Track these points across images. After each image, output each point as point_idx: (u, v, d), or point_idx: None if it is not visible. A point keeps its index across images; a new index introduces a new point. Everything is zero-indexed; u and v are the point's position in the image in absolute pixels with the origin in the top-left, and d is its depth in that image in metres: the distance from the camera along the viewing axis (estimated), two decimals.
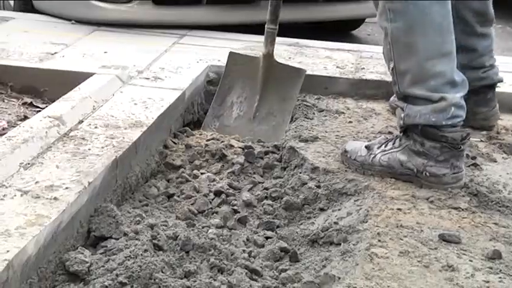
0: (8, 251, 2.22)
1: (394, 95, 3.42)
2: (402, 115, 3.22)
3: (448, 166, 3.20)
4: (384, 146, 3.32)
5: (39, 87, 3.75)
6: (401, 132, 3.27)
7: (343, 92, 3.97)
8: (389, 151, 3.28)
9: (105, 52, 4.09)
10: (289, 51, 4.60)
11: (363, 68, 4.32)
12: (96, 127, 3.17)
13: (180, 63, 4.06)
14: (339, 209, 2.94)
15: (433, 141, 3.18)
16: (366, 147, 3.29)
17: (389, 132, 3.60)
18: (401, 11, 3.17)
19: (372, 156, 3.25)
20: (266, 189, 3.22)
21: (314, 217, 2.95)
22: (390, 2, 3.18)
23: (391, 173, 3.21)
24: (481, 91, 3.76)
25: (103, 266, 2.43)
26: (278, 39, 4.41)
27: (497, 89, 3.97)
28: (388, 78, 3.76)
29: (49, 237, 2.39)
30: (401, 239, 2.59)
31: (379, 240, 2.58)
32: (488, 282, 2.37)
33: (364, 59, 4.38)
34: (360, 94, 4.01)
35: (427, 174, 3.17)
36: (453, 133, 3.17)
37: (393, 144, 3.29)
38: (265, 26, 3.69)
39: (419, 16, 3.21)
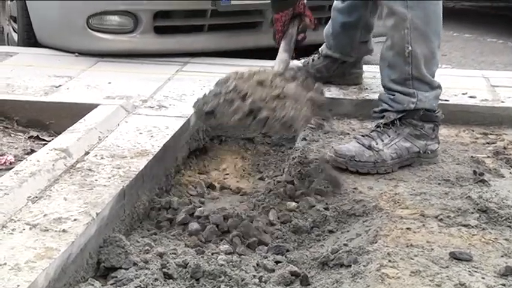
0: (18, 286, 2.19)
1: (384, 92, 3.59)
2: (413, 100, 3.39)
3: (437, 141, 3.55)
4: (382, 140, 3.42)
5: (44, 120, 3.75)
6: (397, 118, 3.41)
7: (347, 113, 4.01)
8: (392, 143, 3.40)
9: (109, 83, 4.10)
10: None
11: (366, 89, 4.35)
12: (102, 158, 3.16)
13: (184, 91, 4.08)
14: (348, 231, 2.93)
15: (430, 123, 3.46)
16: (368, 147, 3.35)
17: None
18: (422, 0, 3.38)
19: (380, 153, 3.33)
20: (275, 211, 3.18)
21: (323, 239, 2.92)
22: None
23: (400, 162, 3.37)
24: (361, 58, 4.26)
25: None
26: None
27: (506, 105, 4.08)
28: None
29: (59, 270, 2.34)
30: (412, 259, 2.55)
31: (390, 261, 2.52)
32: None
33: (367, 79, 4.39)
34: (364, 114, 4.04)
35: (429, 152, 3.45)
36: (439, 113, 3.49)
37: (390, 136, 3.42)
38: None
39: (433, 7, 3.42)
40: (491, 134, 3.85)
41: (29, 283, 2.15)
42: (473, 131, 3.90)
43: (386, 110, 3.47)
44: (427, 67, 3.42)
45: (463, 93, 4.14)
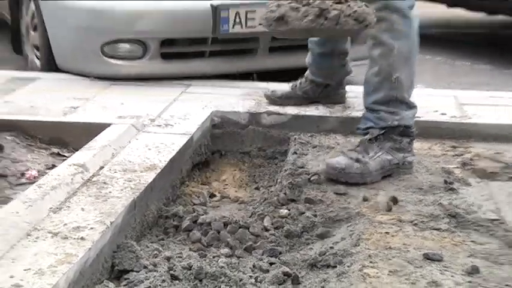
0: (63, 258, 2.33)
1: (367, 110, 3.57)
2: (396, 118, 3.40)
3: (413, 154, 3.54)
4: (368, 154, 3.41)
5: (64, 138, 3.75)
6: (381, 134, 3.40)
7: (333, 129, 3.99)
8: (376, 156, 3.40)
9: (122, 104, 4.09)
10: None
11: (349, 107, 4.32)
12: (115, 172, 3.18)
13: (188, 111, 4.07)
14: (334, 235, 2.94)
15: (407, 137, 3.46)
16: (356, 160, 3.33)
17: None
18: (406, 32, 3.37)
19: (367, 165, 3.33)
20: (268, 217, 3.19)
21: (312, 243, 2.93)
22: (399, 24, 3.33)
23: (382, 172, 3.37)
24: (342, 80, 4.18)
25: None
26: (270, 83, 4.75)
27: (473, 121, 4.08)
28: None
29: (77, 273, 2.38)
30: (390, 260, 2.59)
31: (371, 262, 2.57)
32: None
33: (350, 99, 4.36)
34: (347, 130, 4.00)
35: (406, 163, 3.45)
36: (414, 129, 3.51)
37: (374, 150, 3.41)
38: None
39: (414, 37, 3.46)
40: (459, 147, 3.85)
41: (51, 286, 2.17)
42: (444, 144, 3.91)
43: (371, 127, 3.47)
44: (409, 89, 3.45)
45: (435, 111, 4.14)
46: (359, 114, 4.01)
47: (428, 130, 3.99)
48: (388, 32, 3.33)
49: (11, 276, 2.23)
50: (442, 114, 4.14)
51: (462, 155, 3.77)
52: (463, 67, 6.49)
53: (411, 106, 3.49)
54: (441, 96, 4.59)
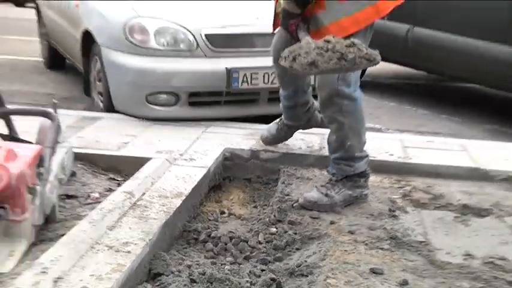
0: (116, 267, 2.43)
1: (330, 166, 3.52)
2: (352, 169, 3.35)
3: (367, 187, 3.48)
4: (334, 190, 3.36)
5: (118, 167, 3.76)
6: (343, 177, 3.37)
7: (312, 164, 3.96)
8: (341, 191, 3.35)
9: (159, 140, 4.07)
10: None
11: (324, 147, 4.05)
12: (153, 198, 3.18)
13: (207, 147, 4.04)
14: (307, 249, 2.94)
15: (363, 177, 3.41)
16: (325, 195, 3.30)
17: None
18: (352, 110, 3.27)
19: (333, 198, 3.30)
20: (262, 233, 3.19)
21: (292, 254, 2.94)
22: (347, 106, 3.23)
23: (345, 203, 3.33)
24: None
25: None
26: (264, 126, 4.46)
27: (413, 161, 4.04)
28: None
29: (125, 279, 2.44)
30: (346, 272, 2.61)
31: (332, 273, 2.59)
32: None
33: (325, 141, 4.06)
34: (322, 165, 3.88)
35: (363, 195, 3.41)
36: (369, 170, 3.47)
37: (339, 187, 3.36)
38: None
39: (360, 112, 3.34)
40: (402, 181, 3.81)
41: (114, 266, 2.38)
42: (391, 178, 3.87)
43: (335, 173, 3.43)
44: (360, 149, 3.39)
45: (386, 152, 4.11)
46: None
47: (380, 167, 3.92)
48: (340, 112, 3.26)
49: (80, 280, 2.30)
50: (390, 155, 4.10)
51: (403, 187, 3.73)
52: (410, 111, 6.42)
53: (363, 157, 3.43)
54: (390, 139, 4.53)
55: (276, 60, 3.42)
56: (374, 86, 7.50)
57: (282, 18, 3.11)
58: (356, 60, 2.68)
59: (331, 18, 2.98)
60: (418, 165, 3.96)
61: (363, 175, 3.42)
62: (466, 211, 3.37)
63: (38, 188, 2.76)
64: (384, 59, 7.04)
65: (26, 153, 2.71)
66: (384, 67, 7.60)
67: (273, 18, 3.52)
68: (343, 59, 2.66)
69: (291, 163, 4.00)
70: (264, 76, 4.83)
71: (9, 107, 3.44)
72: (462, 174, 3.88)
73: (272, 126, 4.00)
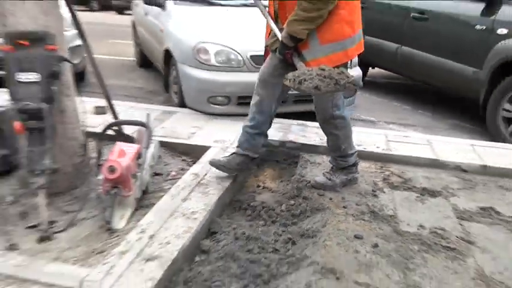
0: (188, 228, 2.59)
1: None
2: (346, 163, 3.37)
3: (357, 172, 3.51)
4: (335, 175, 3.39)
5: (188, 151, 3.84)
6: (341, 168, 3.40)
7: (322, 152, 3.89)
8: (339, 176, 3.38)
9: (217, 132, 4.14)
10: (298, 129, 4.45)
11: None
12: (212, 178, 3.26)
13: None
14: (314, 217, 2.96)
15: (354, 166, 3.43)
16: (329, 179, 3.36)
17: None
18: (344, 125, 3.25)
19: (335, 182, 3.34)
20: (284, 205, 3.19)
21: (304, 221, 2.95)
22: (340, 123, 3.22)
23: (342, 184, 3.37)
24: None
25: (216, 248, 2.64)
26: (293, 121, 4.63)
27: (393, 152, 3.97)
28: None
29: (192, 236, 2.58)
30: (338, 237, 2.70)
31: (329, 237, 2.69)
32: (371, 259, 2.52)
33: None
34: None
35: (354, 178, 3.45)
36: (358, 161, 3.48)
37: (338, 174, 3.39)
38: None
39: (349, 124, 3.30)
40: (384, 167, 3.78)
41: (182, 243, 2.47)
42: (376, 165, 3.82)
43: (335, 165, 3.43)
44: (350, 149, 3.37)
45: (373, 145, 4.10)
46: None
47: (369, 156, 3.91)
48: (335, 128, 3.23)
49: (165, 237, 2.50)
50: (377, 147, 4.05)
51: (384, 172, 3.70)
52: (396, 107, 6.28)
53: (353, 153, 3.40)
54: (377, 134, 4.43)
55: (262, 83, 3.26)
56: (373, 85, 7.38)
57: (279, 48, 2.90)
58: (346, 85, 2.63)
59: (312, 56, 2.84)
60: (396, 156, 3.92)
61: (354, 165, 3.42)
62: (424, 192, 3.37)
63: (138, 174, 2.98)
64: (380, 67, 7.22)
65: (130, 150, 2.94)
66: (380, 72, 7.63)
67: (264, 50, 3.35)
68: (338, 83, 2.61)
69: (307, 151, 3.98)
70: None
71: (116, 101, 3.63)
72: (426, 163, 3.84)
73: (225, 159, 3.40)
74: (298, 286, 2.28)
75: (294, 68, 2.86)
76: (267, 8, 3.10)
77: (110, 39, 11.44)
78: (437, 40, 5.69)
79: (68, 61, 2.94)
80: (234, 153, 3.37)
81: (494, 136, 4.81)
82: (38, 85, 2.69)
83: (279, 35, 2.90)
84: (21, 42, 2.69)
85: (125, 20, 15.71)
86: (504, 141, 4.64)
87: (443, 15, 5.59)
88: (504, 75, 4.72)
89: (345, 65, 2.98)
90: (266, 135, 3.42)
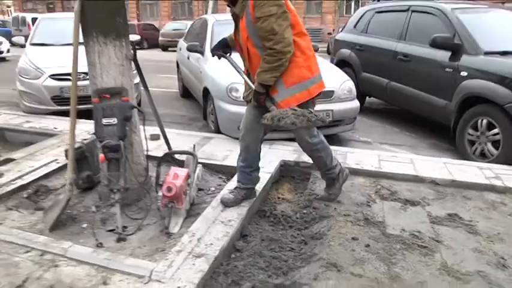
0: (225, 233, 2.70)
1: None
2: (334, 174, 3.33)
3: (345, 170, 3.48)
4: (332, 188, 3.39)
5: (223, 171, 3.92)
6: (333, 179, 3.35)
7: None
8: (336, 185, 3.39)
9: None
10: None
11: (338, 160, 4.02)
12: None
13: (271, 159, 4.09)
14: (321, 223, 3.05)
15: (341, 172, 3.40)
16: (329, 194, 3.37)
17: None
18: (324, 146, 3.21)
19: (335, 193, 3.37)
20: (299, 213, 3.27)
21: (313, 226, 3.04)
22: (319, 146, 3.18)
23: (341, 187, 3.38)
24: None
25: (247, 247, 2.77)
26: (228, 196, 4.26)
27: (384, 170, 3.91)
28: None
29: (229, 239, 2.71)
30: (340, 239, 2.81)
31: (332, 239, 2.80)
32: (364, 256, 2.60)
33: (339, 156, 4.26)
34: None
35: (346, 175, 3.44)
36: (339, 172, 3.40)
37: (334, 184, 3.39)
38: None
39: (327, 144, 3.25)
40: (376, 182, 3.79)
41: (221, 245, 2.61)
42: (370, 180, 3.83)
43: (327, 180, 3.42)
44: (331, 162, 3.32)
45: (368, 164, 4.08)
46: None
47: (365, 173, 3.92)
48: (317, 151, 3.21)
49: (209, 239, 2.66)
50: (371, 165, 4.05)
51: (376, 186, 3.71)
52: (387, 129, 6.25)
53: (336, 164, 3.35)
54: (371, 155, 4.39)
55: (247, 131, 3.16)
56: (369, 111, 7.43)
57: (254, 96, 2.86)
58: (316, 122, 2.61)
59: (281, 98, 2.81)
60: (386, 173, 3.94)
61: (340, 171, 3.38)
62: (406, 202, 3.41)
63: (188, 191, 3.17)
64: (375, 97, 7.33)
65: (182, 174, 3.11)
66: (375, 101, 7.71)
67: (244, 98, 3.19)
68: (309, 120, 2.57)
69: (315, 169, 3.88)
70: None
71: (166, 129, 3.72)
72: (408, 178, 3.86)
73: (231, 195, 3.29)
74: (308, 276, 2.41)
75: (267, 111, 2.78)
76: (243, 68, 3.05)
77: (158, 73, 11.65)
78: (417, 78, 5.84)
79: (137, 108, 3.23)
80: (237, 187, 3.27)
81: (463, 154, 4.89)
82: (116, 126, 2.99)
83: (253, 86, 2.87)
84: (105, 95, 3.01)
85: (168, 56, 16.02)
86: (469, 159, 4.73)
87: (421, 59, 5.76)
88: (467, 107, 4.88)
89: (313, 104, 2.96)
90: (259, 168, 3.30)
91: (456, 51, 5.23)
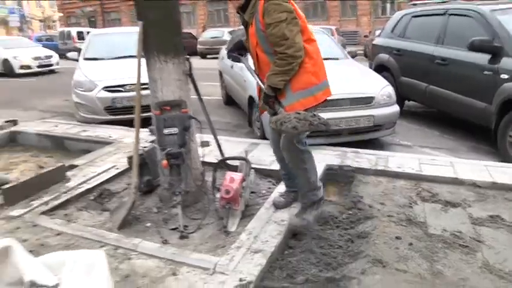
0: (279, 232, 2.89)
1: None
2: (316, 198, 3.14)
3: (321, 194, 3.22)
4: (306, 213, 3.16)
5: (271, 175, 3.96)
6: (312, 203, 3.16)
7: (372, 173, 4.05)
8: (311, 212, 3.15)
9: None
10: (352, 155, 4.53)
11: (377, 164, 4.22)
12: None
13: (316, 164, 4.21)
14: (366, 223, 3.16)
15: (321, 200, 3.21)
16: (302, 219, 3.12)
17: None
18: (310, 157, 3.11)
19: (309, 219, 3.12)
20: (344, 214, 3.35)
21: (359, 225, 3.14)
22: (305, 157, 3.07)
23: (316, 219, 3.16)
24: None
25: (299, 245, 2.89)
26: (348, 148, 4.63)
27: (424, 173, 3.95)
28: None
29: (283, 237, 2.89)
30: (384, 238, 2.94)
31: (377, 238, 2.94)
32: (407, 253, 2.68)
33: (380, 160, 4.36)
34: (377, 174, 4.07)
35: (322, 212, 3.25)
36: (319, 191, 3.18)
37: (309, 210, 3.16)
38: None
39: (312, 157, 3.12)
40: (417, 185, 3.82)
41: (275, 244, 2.79)
42: (411, 182, 3.82)
43: (305, 202, 3.21)
44: (318, 182, 3.19)
45: (409, 167, 4.13)
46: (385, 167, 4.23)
47: (406, 176, 3.97)
48: (303, 163, 3.09)
49: (265, 237, 2.85)
50: (412, 169, 4.10)
51: (417, 189, 3.75)
52: (427, 132, 6.23)
53: (320, 187, 3.23)
54: (412, 158, 4.42)
55: (275, 148, 3.27)
56: (408, 114, 7.42)
57: (263, 98, 2.88)
58: (318, 126, 2.60)
59: (288, 102, 2.81)
60: (426, 176, 3.97)
61: (321, 199, 3.24)
62: (447, 204, 3.45)
63: (243, 194, 3.38)
64: (414, 100, 7.33)
65: (237, 178, 3.29)
66: (414, 104, 7.68)
67: (259, 109, 3.21)
68: (311, 124, 2.58)
69: (360, 173, 4.09)
70: (343, 122, 4.96)
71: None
72: (449, 181, 3.90)
73: (282, 198, 3.47)
74: (356, 271, 2.56)
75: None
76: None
77: (200, 81, 11.70)
78: (456, 81, 5.86)
79: (195, 118, 3.53)
80: (286, 191, 3.42)
81: (504, 157, 4.90)
82: (177, 136, 3.29)
83: (263, 87, 2.88)
84: (166, 108, 3.32)
85: (208, 63, 16.25)
86: (510, 161, 4.72)
87: (460, 62, 5.78)
88: (508, 109, 4.91)
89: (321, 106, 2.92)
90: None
91: (496, 53, 5.21)
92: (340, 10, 29.65)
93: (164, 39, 3.22)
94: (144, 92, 3.30)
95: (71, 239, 2.95)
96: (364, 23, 28.65)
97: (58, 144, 5.73)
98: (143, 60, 3.38)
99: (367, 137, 5.21)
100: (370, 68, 7.83)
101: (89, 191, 3.89)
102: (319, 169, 3.86)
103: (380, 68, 7.40)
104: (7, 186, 3.69)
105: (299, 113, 2.61)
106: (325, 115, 4.50)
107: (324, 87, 2.88)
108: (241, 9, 2.87)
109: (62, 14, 42.84)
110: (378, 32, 11.81)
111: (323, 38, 6.94)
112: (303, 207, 3.12)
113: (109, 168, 4.36)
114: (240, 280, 2.44)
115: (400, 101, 6.17)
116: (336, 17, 29.34)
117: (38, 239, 2.93)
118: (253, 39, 2.83)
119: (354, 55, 7.15)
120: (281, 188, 3.55)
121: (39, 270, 1.90)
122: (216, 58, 9.94)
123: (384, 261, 2.62)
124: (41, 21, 50.34)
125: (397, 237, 2.92)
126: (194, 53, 22.63)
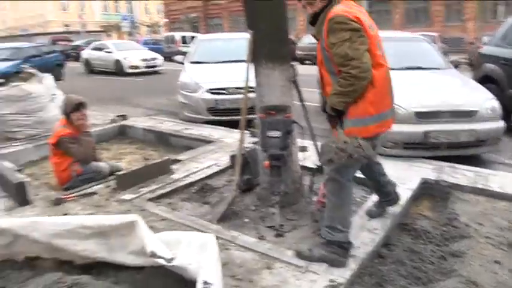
0: (371, 240, 2.95)
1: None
2: (330, 237, 2.82)
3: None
4: (317, 247, 2.88)
5: (364, 183, 3.78)
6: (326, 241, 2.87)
7: (468, 191, 3.88)
8: (319, 250, 2.85)
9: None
10: (449, 170, 4.39)
11: (476, 182, 4.05)
12: (388, 207, 3.43)
13: (412, 176, 4.15)
14: (461, 242, 3.07)
15: (340, 248, 2.83)
16: (309, 249, 2.87)
17: None
18: (337, 192, 2.78)
19: (313, 254, 2.85)
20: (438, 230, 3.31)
21: (453, 244, 3.06)
22: (333, 185, 2.77)
23: (321, 261, 2.81)
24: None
25: (389, 254, 2.94)
26: (445, 163, 4.50)
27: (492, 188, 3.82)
28: None
29: (372, 249, 2.98)
30: (481, 259, 2.82)
31: (473, 258, 2.83)
32: (508, 280, 2.59)
33: (479, 178, 4.20)
34: (474, 192, 3.91)
35: (337, 261, 2.80)
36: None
37: (320, 246, 2.88)
38: None
39: (347, 196, 2.81)
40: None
41: (370, 239, 2.90)
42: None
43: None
44: (341, 225, 2.81)
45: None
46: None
47: (508, 197, 3.77)
48: (328, 192, 2.85)
49: (357, 244, 2.86)
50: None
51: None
52: None
53: (343, 231, 2.84)
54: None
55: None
56: None
57: (327, 116, 2.83)
58: (359, 158, 2.53)
59: (345, 126, 2.66)
60: (493, 193, 3.78)
61: (341, 246, 2.82)
62: None
63: None
64: None
65: None
66: None
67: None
68: (350, 157, 2.50)
69: (456, 189, 4.00)
70: (442, 135, 4.85)
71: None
72: None
73: (374, 208, 3.48)
74: None
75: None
76: None
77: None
78: None
79: (297, 123, 3.70)
80: (378, 201, 3.47)
81: None
82: (279, 139, 3.46)
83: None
84: (270, 112, 3.53)
85: (306, 69, 16.32)
86: None
87: None
88: None
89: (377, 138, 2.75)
90: (389, 184, 3.38)
91: None
92: (444, 15, 27.80)
93: (272, 48, 3.41)
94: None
95: (175, 225, 3.15)
96: (470, 28, 26.67)
97: (162, 140, 6.15)
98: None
99: (468, 153, 5.05)
100: (474, 78, 7.37)
101: (191, 184, 4.16)
102: (414, 182, 3.95)
103: (485, 79, 6.83)
104: (120, 173, 4.09)
105: (346, 141, 2.55)
106: (422, 127, 4.78)
107: (380, 119, 2.66)
108: (312, 22, 2.79)
109: (167, 20, 45.31)
110: (484, 39, 11.01)
111: (422, 46, 6.74)
112: (321, 242, 2.84)
113: (210, 165, 4.62)
114: (331, 281, 2.51)
115: (506, 116, 5.83)
116: (440, 22, 27.79)
117: (145, 222, 3.23)
118: (319, 56, 2.75)
119: (456, 64, 6.88)
120: (375, 197, 3.53)
121: (158, 244, 2.21)
122: (314, 64, 9.92)
123: (479, 284, 2.54)
124: (148, 26, 55.53)
125: (495, 261, 2.81)
126: (294, 58, 22.50)
